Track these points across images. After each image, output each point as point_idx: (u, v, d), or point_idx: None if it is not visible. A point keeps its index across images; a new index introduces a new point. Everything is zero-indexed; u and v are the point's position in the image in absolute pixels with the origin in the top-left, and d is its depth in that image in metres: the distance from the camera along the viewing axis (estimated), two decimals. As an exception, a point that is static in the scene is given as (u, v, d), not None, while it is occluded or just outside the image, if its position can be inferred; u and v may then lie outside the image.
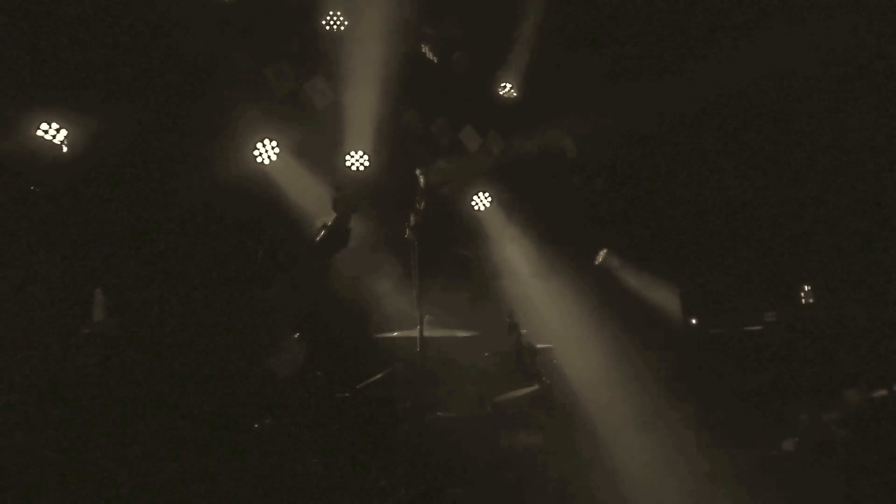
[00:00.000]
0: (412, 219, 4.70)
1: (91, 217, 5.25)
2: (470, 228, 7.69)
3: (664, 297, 8.41)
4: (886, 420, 5.17)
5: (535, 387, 5.25)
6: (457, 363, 5.44)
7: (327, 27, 6.77)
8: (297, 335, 4.47)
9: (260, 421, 4.42)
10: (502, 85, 8.12)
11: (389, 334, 5.24)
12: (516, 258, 7.75)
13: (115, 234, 5.30)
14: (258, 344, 4.42)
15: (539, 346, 5.58)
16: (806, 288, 7.19)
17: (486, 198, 7.80)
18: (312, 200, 6.33)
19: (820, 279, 7.25)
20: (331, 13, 6.76)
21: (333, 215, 4.60)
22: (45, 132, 5.22)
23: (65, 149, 5.25)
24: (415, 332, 4.70)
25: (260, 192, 6.14)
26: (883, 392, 5.18)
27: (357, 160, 6.78)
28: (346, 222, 4.58)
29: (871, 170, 7.57)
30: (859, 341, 6.20)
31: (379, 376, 5.01)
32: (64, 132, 5.27)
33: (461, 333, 5.28)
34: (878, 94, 7.44)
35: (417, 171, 4.86)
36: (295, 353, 4.43)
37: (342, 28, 6.77)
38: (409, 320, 5.02)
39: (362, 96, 6.57)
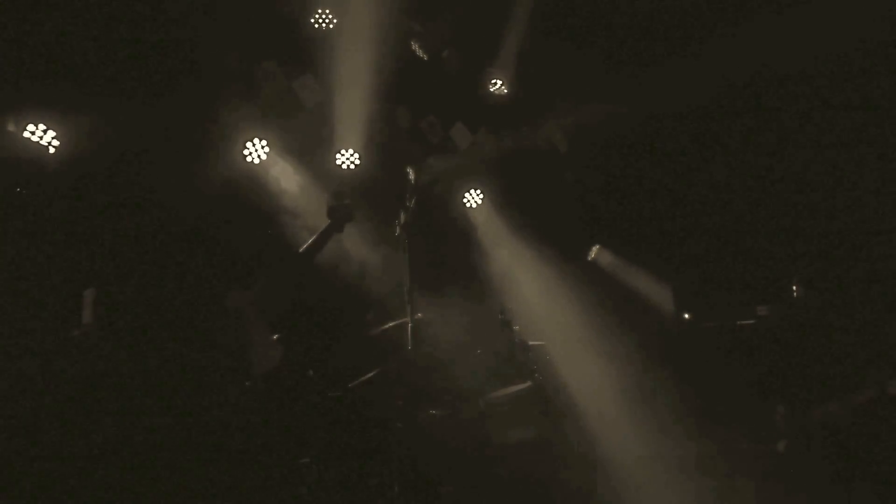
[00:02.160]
0: (402, 216, 4.68)
1: (78, 218, 5.22)
2: (461, 226, 7.69)
3: (657, 292, 8.42)
4: (872, 421, 5.19)
5: (528, 383, 5.25)
6: (449, 360, 5.43)
7: (316, 25, 6.75)
8: (276, 336, 4.44)
9: (259, 417, 4.41)
10: (493, 81, 8.09)
11: (379, 327, 5.22)
12: (508, 255, 7.74)
13: (102, 234, 5.28)
14: (239, 343, 4.39)
15: (532, 342, 5.58)
16: (797, 282, 7.18)
17: (477, 195, 7.80)
18: (303, 199, 6.33)
19: (812, 273, 7.25)
20: (319, 11, 6.74)
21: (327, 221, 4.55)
22: (32, 133, 5.19)
23: (52, 150, 5.22)
24: (404, 320, 4.67)
25: (250, 191, 6.13)
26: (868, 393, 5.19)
27: (347, 158, 6.77)
28: (339, 231, 4.54)
29: (865, 164, 7.58)
30: (851, 335, 6.20)
31: (371, 375, 4.99)
32: (51, 133, 5.24)
33: (454, 320, 5.28)
34: (872, 89, 7.45)
35: (408, 169, 4.85)
36: (273, 351, 4.41)
37: (331, 26, 6.76)
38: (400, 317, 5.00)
39: (352, 94, 6.55)
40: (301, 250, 4.51)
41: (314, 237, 4.51)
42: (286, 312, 4.62)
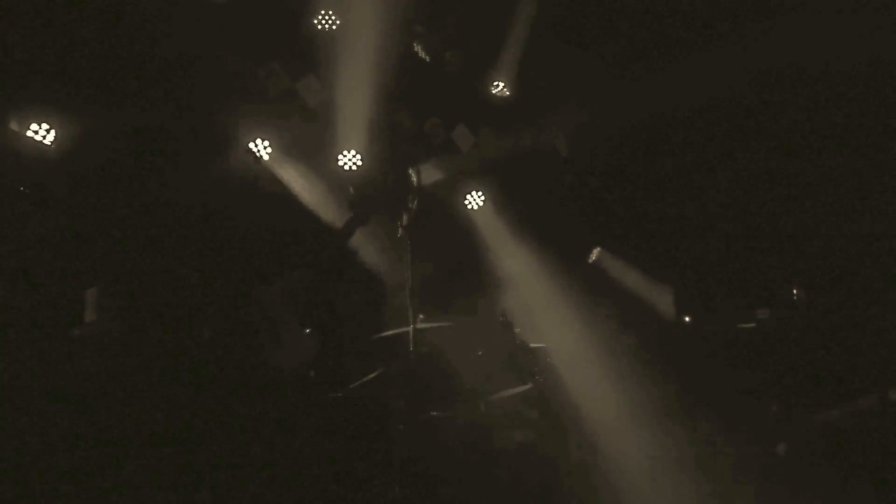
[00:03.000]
0: (405, 218, 4.69)
1: (82, 217, 5.23)
2: (463, 227, 7.69)
3: (657, 295, 8.43)
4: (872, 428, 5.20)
5: (529, 385, 5.25)
6: (450, 362, 5.43)
7: (319, 26, 6.76)
8: (307, 330, 4.44)
9: (261, 417, 4.41)
10: (495, 84, 8.11)
11: (383, 333, 5.23)
12: (509, 256, 7.75)
13: (106, 233, 5.28)
14: (260, 341, 4.39)
15: (532, 344, 5.58)
16: (798, 286, 7.20)
17: (479, 196, 7.81)
18: (305, 199, 6.33)
19: (812, 277, 7.27)
20: (323, 12, 6.75)
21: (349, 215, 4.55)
22: (35, 132, 5.20)
23: (55, 149, 5.23)
24: (408, 330, 4.69)
25: (252, 190, 6.13)
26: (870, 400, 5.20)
27: (350, 159, 6.78)
28: (364, 223, 4.53)
29: (866, 167, 7.59)
30: (852, 339, 6.21)
31: (372, 375, 5.00)
32: (54, 132, 5.25)
33: (455, 321, 5.29)
34: (872, 93, 7.46)
35: (410, 171, 4.86)
36: (304, 346, 4.41)
37: (334, 27, 6.77)
38: (403, 319, 5.01)
39: (355, 95, 6.56)
40: (330, 242, 4.50)
41: (340, 229, 4.50)
42: (309, 307, 4.63)
